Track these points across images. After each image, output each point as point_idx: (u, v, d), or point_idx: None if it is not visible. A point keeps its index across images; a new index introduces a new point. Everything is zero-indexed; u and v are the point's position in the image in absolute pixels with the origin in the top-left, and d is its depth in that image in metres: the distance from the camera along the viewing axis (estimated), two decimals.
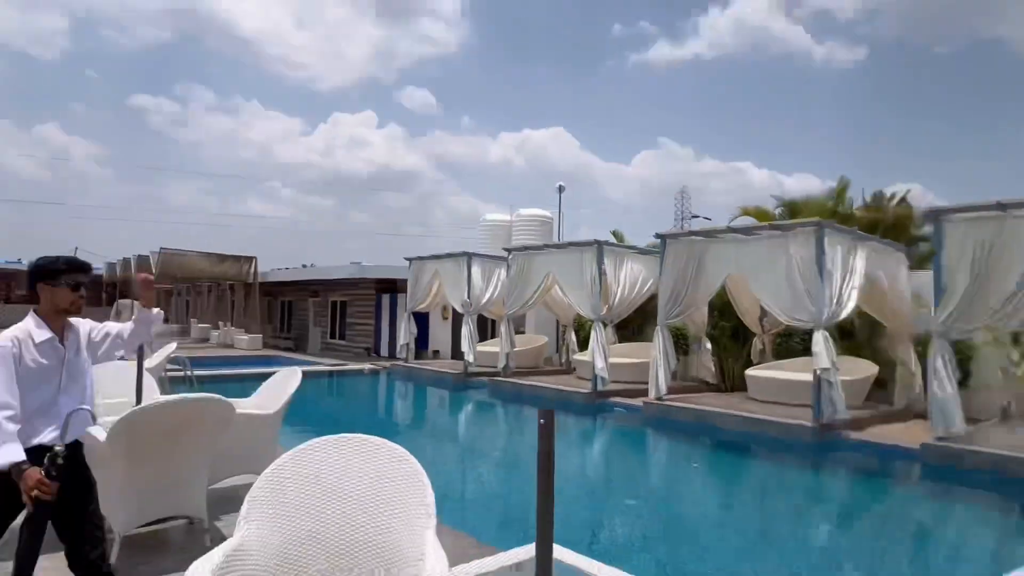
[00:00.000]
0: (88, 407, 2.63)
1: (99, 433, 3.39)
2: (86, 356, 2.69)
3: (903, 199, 14.27)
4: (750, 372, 10.80)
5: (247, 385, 5.06)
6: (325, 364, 16.55)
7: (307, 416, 10.88)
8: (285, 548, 2.16)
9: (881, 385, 10.65)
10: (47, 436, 2.46)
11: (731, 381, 12.76)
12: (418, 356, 17.80)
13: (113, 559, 3.22)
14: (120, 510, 3.34)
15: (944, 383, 7.28)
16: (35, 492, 2.20)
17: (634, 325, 15.34)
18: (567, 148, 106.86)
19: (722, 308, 12.63)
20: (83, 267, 2.69)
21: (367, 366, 16.37)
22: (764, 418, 8.73)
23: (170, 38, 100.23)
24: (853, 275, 8.96)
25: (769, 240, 9.20)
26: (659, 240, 10.65)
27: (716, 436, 9.00)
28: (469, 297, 14.40)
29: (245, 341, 21.37)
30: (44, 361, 2.51)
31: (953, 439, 7.15)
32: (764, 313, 11.20)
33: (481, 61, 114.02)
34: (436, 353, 19.51)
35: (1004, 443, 7.13)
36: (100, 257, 36.53)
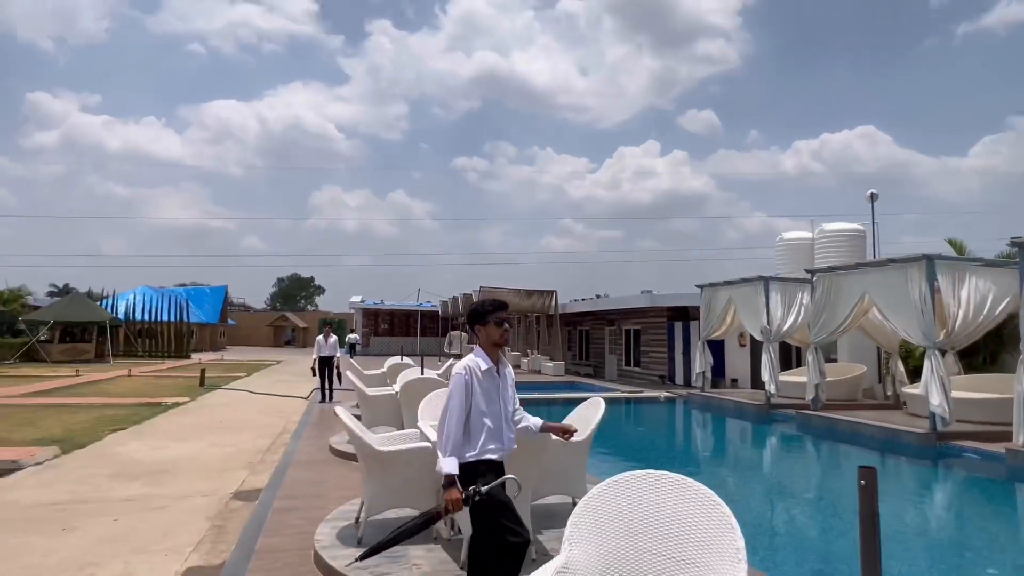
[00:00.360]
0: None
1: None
2: (512, 387, 3.37)
3: None
4: None
5: (555, 409, 5.63)
6: (622, 391, 17.14)
7: (606, 440, 11.45)
8: (604, 572, 2.45)
9: None
10: (492, 453, 3.11)
11: None
12: (714, 385, 17.27)
13: (463, 557, 3.95)
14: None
15: None
16: (449, 506, 2.84)
17: (986, 353, 12.62)
18: (879, 148, 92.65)
19: None
20: (503, 306, 3.33)
21: (663, 394, 16.46)
22: None
23: (480, 105, 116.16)
24: None
25: None
26: (1016, 248, 8.66)
27: None
28: (768, 323, 13.52)
29: (550, 368, 23.31)
30: (488, 387, 3.15)
31: None
32: None
33: (766, 71, 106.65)
34: (734, 382, 18.65)
35: None
36: (436, 296, 43.76)
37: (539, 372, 23.90)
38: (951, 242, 15.43)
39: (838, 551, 5.53)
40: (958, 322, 10.00)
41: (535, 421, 3.51)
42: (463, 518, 4.07)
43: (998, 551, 5.83)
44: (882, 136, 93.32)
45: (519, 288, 25.51)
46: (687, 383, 18.93)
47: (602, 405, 5.31)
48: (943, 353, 10.73)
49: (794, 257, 18.47)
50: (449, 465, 2.94)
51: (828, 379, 12.67)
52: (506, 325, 3.29)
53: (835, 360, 15.58)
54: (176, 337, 37.03)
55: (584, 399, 5.56)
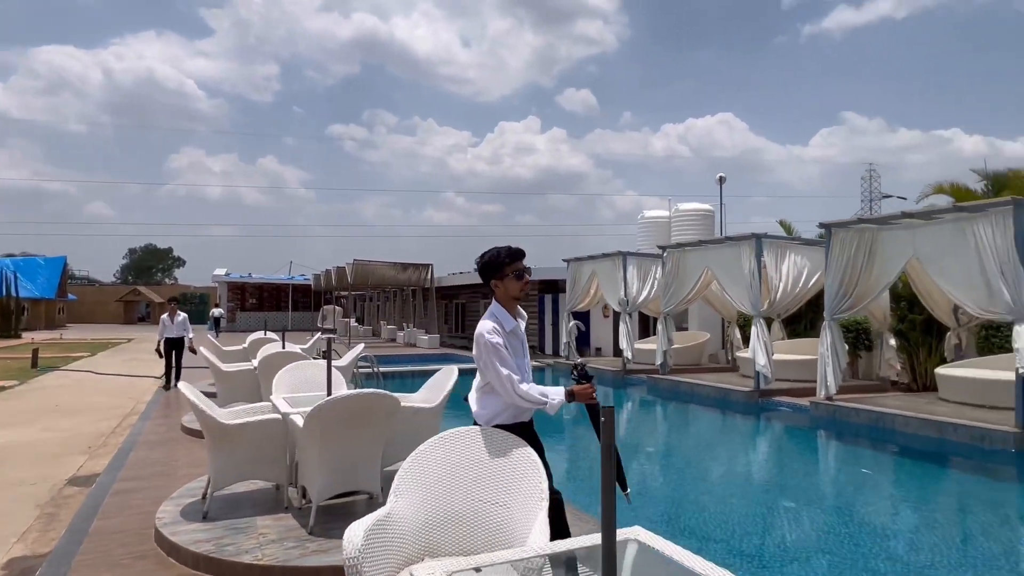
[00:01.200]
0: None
1: (298, 420, 4.28)
2: (526, 342, 3.18)
3: None
4: (941, 371, 9.72)
5: (424, 381, 5.86)
6: None
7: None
8: (426, 519, 2.69)
9: None
10: (524, 415, 3.04)
11: (923, 380, 11.52)
12: (581, 354, 18.26)
13: (311, 522, 4.07)
14: (317, 483, 4.19)
15: None
16: (593, 396, 2.81)
17: (806, 320, 14.41)
18: (736, 134, 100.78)
19: (912, 299, 11.45)
20: (520, 254, 3.02)
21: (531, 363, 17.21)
22: (954, 422, 7.87)
23: (358, 71, 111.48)
24: None
25: (955, 223, 8.25)
26: (823, 229, 9.99)
27: (895, 441, 8.29)
28: (626, 295, 14.54)
29: (425, 341, 23.45)
30: (514, 344, 3.00)
31: None
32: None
33: (640, 54, 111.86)
34: (598, 351, 19.84)
35: None
36: (310, 269, 42.09)
37: (414, 345, 23.98)
38: (781, 223, 17.33)
39: (674, 494, 6.27)
40: (779, 293, 11.39)
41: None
42: (313, 486, 4.18)
43: (792, 484, 6.88)
44: (739, 123, 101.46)
45: (395, 261, 25.27)
46: (556, 353, 19.87)
47: (455, 373, 5.58)
48: (769, 321, 12.16)
49: (654, 234, 19.85)
50: (555, 394, 2.92)
51: (676, 346, 13.89)
52: (527, 276, 3.03)
53: (686, 328, 17.07)
54: (2, 314, 32.87)
55: (461, 369, 5.80)
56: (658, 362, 13.31)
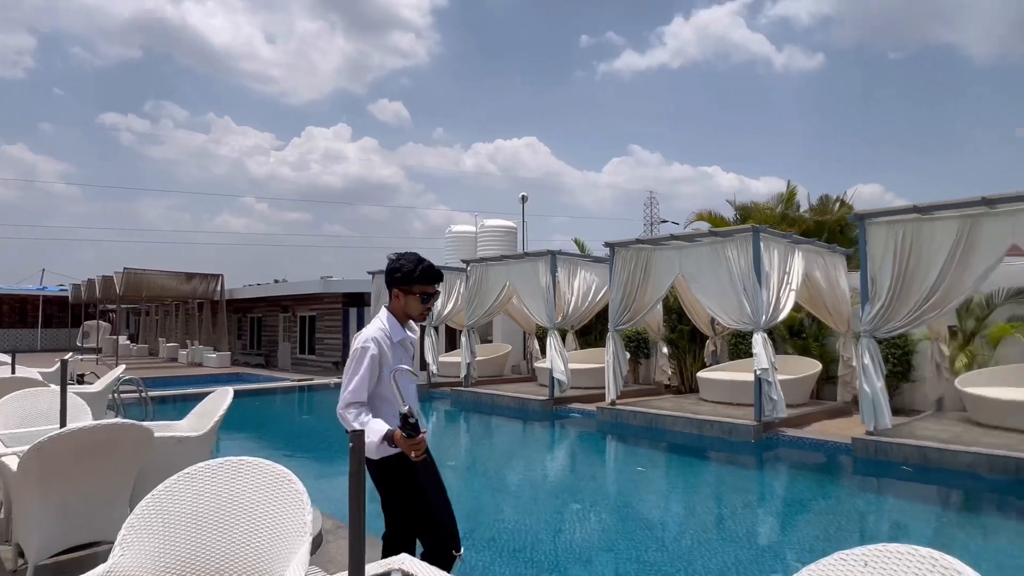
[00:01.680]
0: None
1: (11, 462, 3.49)
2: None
3: (844, 202, 14.75)
4: (700, 374, 11.09)
5: (190, 404, 5.15)
6: (292, 379, 16.54)
7: (269, 431, 10.93)
8: (163, 572, 2.30)
9: (834, 381, 11.03)
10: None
11: (690, 383, 13.08)
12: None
13: None
14: (35, 537, 3.44)
15: (872, 379, 7.59)
16: (414, 452, 2.45)
17: (596, 331, 15.62)
18: (540, 157, 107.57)
19: (680, 312, 12.95)
20: (436, 277, 2.84)
21: (334, 380, 16.40)
22: (709, 419, 8.99)
23: (140, 56, 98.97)
24: (790, 278, 9.28)
25: (711, 246, 9.50)
26: (608, 248, 10.92)
27: (665, 439, 9.25)
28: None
29: (214, 359, 21.25)
30: (399, 353, 2.75)
31: (881, 433, 7.46)
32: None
33: (452, 72, 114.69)
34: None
35: (928, 435, 7.47)
36: (67, 279, 35.98)
37: (200, 365, 21.60)
38: (576, 241, 18.69)
39: (471, 506, 6.24)
40: (571, 307, 12.19)
41: None
42: (31, 542, 3.42)
43: (578, 487, 7.30)
44: (543, 147, 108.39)
45: (177, 271, 22.60)
46: None
47: (229, 394, 5.02)
48: (564, 332, 12.95)
49: (461, 248, 20.21)
50: (377, 425, 2.59)
51: (480, 358, 14.20)
52: (432, 303, 2.90)
53: (490, 341, 17.56)
54: None
55: (249, 390, 5.19)
56: (462, 375, 13.47)
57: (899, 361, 10.44)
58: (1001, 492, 6.34)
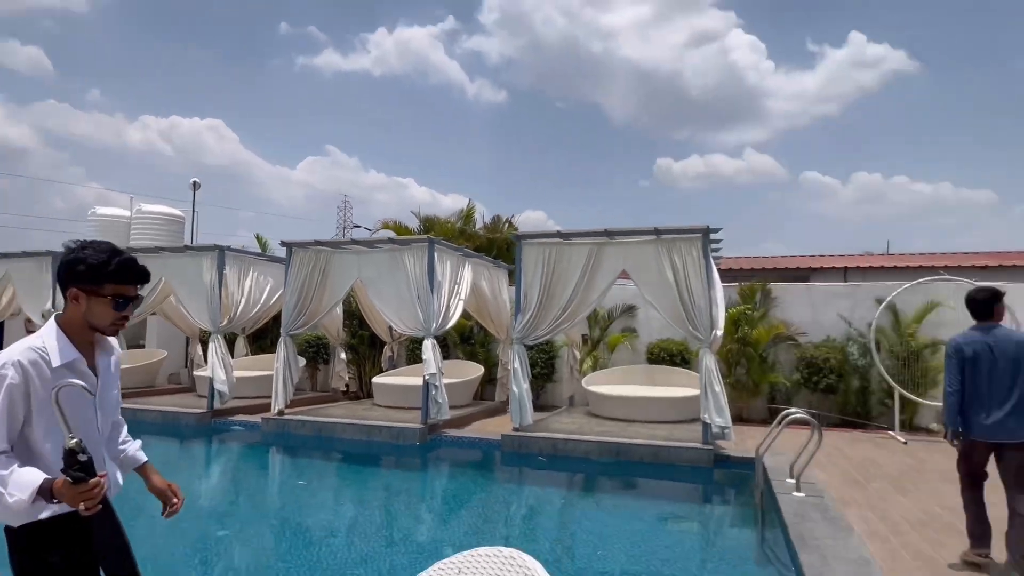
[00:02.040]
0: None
1: None
2: (117, 387, 2.19)
3: (511, 223, 16.67)
4: (375, 380, 11.19)
5: None
6: None
7: None
8: None
9: (496, 383, 12.18)
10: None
11: (367, 389, 13.08)
12: None
13: None
14: None
15: (519, 381, 8.56)
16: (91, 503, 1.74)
17: (272, 335, 14.60)
18: (227, 144, 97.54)
19: (361, 317, 12.87)
20: (141, 276, 2.03)
21: None
22: (378, 424, 9.07)
23: None
24: (460, 288, 9.96)
25: (390, 253, 9.64)
26: (285, 248, 10.28)
27: (335, 447, 9.02)
28: (53, 306, 11.78)
29: None
30: (67, 393, 1.86)
31: (525, 428, 8.45)
32: None
33: (120, 27, 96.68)
34: None
35: (558, 428, 8.74)
36: None
37: None
38: (257, 237, 17.28)
39: None
40: (240, 309, 11.13)
41: (136, 453, 2.43)
42: None
43: (233, 510, 6.60)
44: (230, 133, 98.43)
45: None
46: None
47: None
48: (234, 337, 11.74)
49: (109, 234, 16.89)
50: (25, 477, 1.80)
51: (126, 366, 11.99)
52: (129, 309, 2.04)
53: (142, 346, 15.03)
54: None
55: None
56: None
57: (545, 364, 12.06)
58: (606, 472, 7.71)
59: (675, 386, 10.32)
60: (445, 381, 9.42)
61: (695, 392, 8.55)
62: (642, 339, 12.32)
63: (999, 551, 4.23)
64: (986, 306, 4.45)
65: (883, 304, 10.32)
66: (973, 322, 4.54)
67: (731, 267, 14.88)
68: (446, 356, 13.26)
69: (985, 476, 4.37)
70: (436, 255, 9.27)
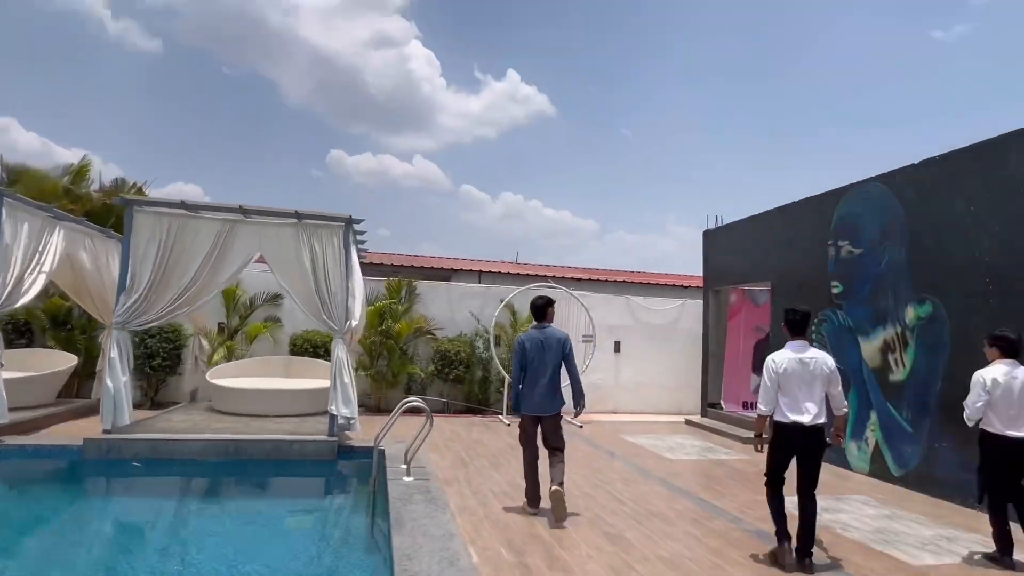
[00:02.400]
0: None
1: None
2: None
3: (141, 190, 14.18)
4: None
5: None
6: None
7: None
8: None
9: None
10: None
11: None
12: None
13: None
14: None
15: (117, 375, 7.16)
16: None
17: None
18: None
19: None
20: None
21: None
22: None
23: None
24: (43, 258, 7.93)
25: None
26: None
27: None
28: None
29: None
30: None
31: (119, 430, 7.10)
32: None
33: None
34: None
35: (166, 428, 7.60)
36: None
37: None
38: None
39: None
40: None
41: None
42: None
43: None
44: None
45: None
46: None
47: None
48: None
49: None
50: None
51: None
52: None
53: None
54: None
55: None
56: None
57: (169, 355, 10.47)
58: (220, 473, 6.95)
59: (313, 378, 9.99)
60: (13, 375, 7.36)
61: (327, 384, 8.38)
62: (287, 329, 11.69)
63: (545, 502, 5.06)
64: (541, 310, 5.52)
65: (503, 303, 11.75)
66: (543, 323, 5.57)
67: (384, 262, 15.24)
68: (29, 343, 10.52)
69: (535, 439, 5.42)
70: (4, 211, 7.18)
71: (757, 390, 5.62)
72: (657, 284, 15.89)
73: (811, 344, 4.58)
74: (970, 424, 4.82)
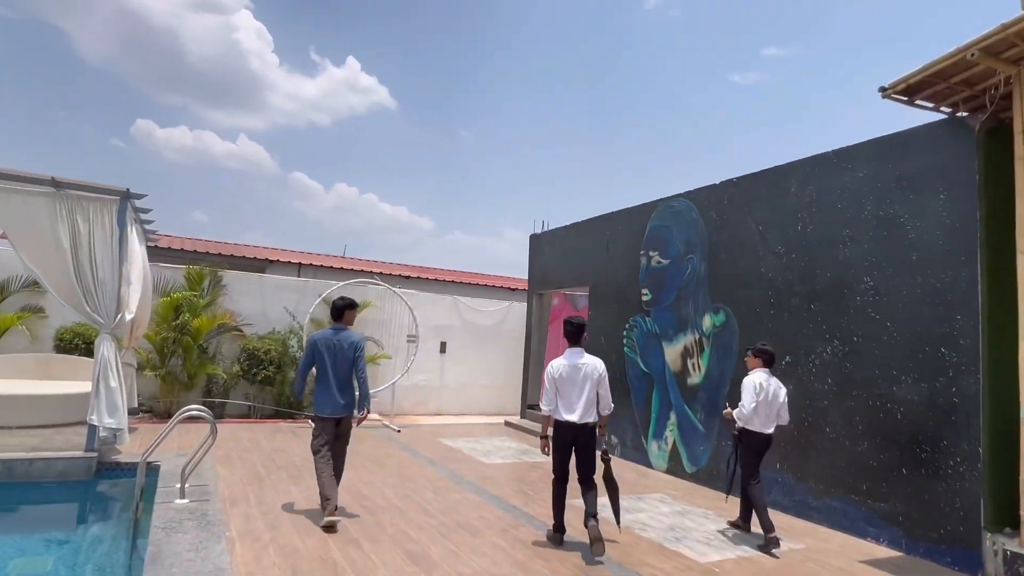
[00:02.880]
0: None
1: None
2: None
3: None
4: None
5: None
6: None
7: None
8: None
9: None
10: None
11: None
12: None
13: None
14: None
15: None
16: None
17: None
18: None
19: None
20: None
21: None
22: None
23: None
24: None
25: None
26: None
27: None
28: None
29: None
30: None
31: None
32: None
33: None
34: None
35: None
36: None
37: None
38: None
39: None
40: None
41: None
42: None
43: None
44: None
45: None
46: None
47: None
48: None
49: None
50: None
51: None
52: None
53: None
54: None
55: None
56: None
57: None
58: None
59: (78, 380, 8.43)
60: None
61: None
62: (53, 322, 9.82)
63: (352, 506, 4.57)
64: (339, 311, 5.40)
65: (320, 298, 10.92)
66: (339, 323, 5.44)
67: (186, 248, 13.50)
68: None
69: (332, 442, 5.29)
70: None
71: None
72: (486, 285, 15.91)
73: (586, 352, 5.08)
74: (740, 423, 5.46)
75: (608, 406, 4.97)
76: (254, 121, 43.66)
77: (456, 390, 13.09)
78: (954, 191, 5.29)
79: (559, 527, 4.94)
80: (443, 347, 13.07)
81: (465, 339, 13.23)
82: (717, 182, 7.85)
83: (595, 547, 4.55)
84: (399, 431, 10.02)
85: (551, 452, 4.97)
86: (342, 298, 5.45)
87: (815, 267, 6.42)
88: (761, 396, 5.31)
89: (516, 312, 13.38)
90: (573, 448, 4.88)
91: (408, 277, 15.06)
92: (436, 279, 15.32)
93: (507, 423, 11.51)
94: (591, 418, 4.85)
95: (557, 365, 4.94)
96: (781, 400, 5.44)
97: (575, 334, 5.07)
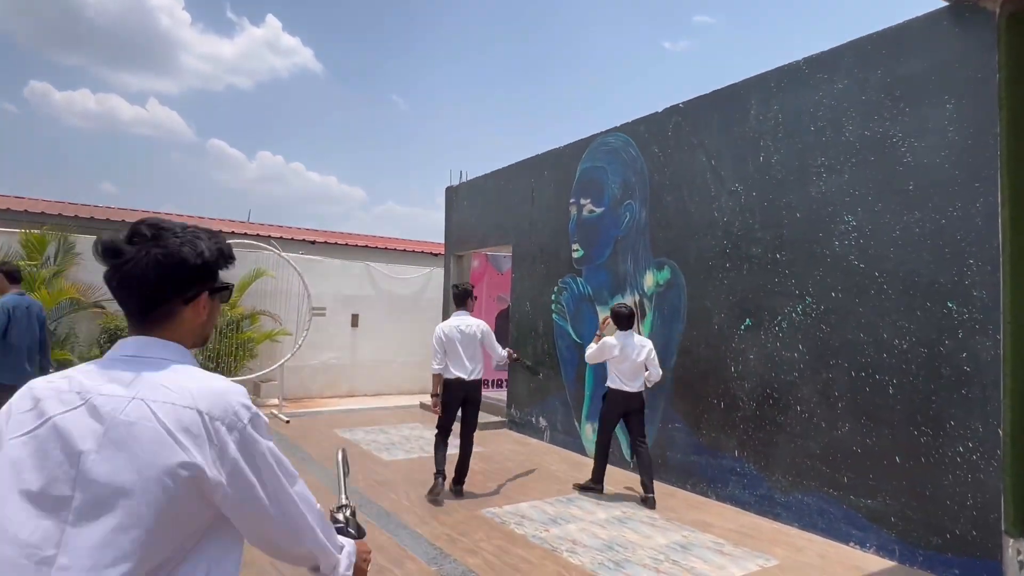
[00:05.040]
0: None
1: None
2: None
3: None
4: None
5: None
6: None
7: None
8: None
9: None
10: None
11: None
12: None
13: None
14: None
15: None
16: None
17: None
18: None
19: None
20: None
21: None
22: None
23: None
24: None
25: None
26: None
27: None
28: None
29: None
30: None
31: None
32: None
33: None
34: None
35: None
36: None
37: None
38: None
39: None
40: None
41: None
42: None
43: None
44: None
45: None
46: None
47: None
48: None
49: None
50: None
51: None
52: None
53: None
54: None
55: None
56: None
57: None
58: None
59: None
60: None
61: None
62: None
63: None
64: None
65: None
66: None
67: (30, 209, 11.22)
68: None
69: None
70: None
71: (497, 367, 6.79)
72: (404, 251, 14.27)
73: (471, 315, 5.42)
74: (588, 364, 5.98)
75: (499, 352, 5.51)
76: (166, 84, 39.78)
77: (371, 368, 11.51)
78: (964, 98, 4.05)
79: (441, 472, 5.21)
80: (355, 320, 11.43)
81: (380, 311, 11.62)
82: (660, 110, 6.46)
83: (431, 499, 5.12)
84: (287, 421, 8.37)
85: (441, 407, 5.25)
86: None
87: (781, 207, 5.14)
88: (616, 352, 5.32)
89: (438, 279, 11.82)
90: (462, 405, 5.30)
91: (314, 243, 13.21)
92: (346, 244, 13.55)
93: (422, 405, 10.03)
94: (478, 374, 5.30)
95: (445, 327, 5.28)
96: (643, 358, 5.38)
97: (461, 298, 5.47)
